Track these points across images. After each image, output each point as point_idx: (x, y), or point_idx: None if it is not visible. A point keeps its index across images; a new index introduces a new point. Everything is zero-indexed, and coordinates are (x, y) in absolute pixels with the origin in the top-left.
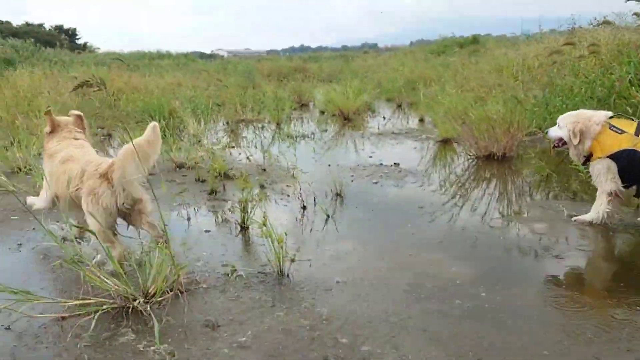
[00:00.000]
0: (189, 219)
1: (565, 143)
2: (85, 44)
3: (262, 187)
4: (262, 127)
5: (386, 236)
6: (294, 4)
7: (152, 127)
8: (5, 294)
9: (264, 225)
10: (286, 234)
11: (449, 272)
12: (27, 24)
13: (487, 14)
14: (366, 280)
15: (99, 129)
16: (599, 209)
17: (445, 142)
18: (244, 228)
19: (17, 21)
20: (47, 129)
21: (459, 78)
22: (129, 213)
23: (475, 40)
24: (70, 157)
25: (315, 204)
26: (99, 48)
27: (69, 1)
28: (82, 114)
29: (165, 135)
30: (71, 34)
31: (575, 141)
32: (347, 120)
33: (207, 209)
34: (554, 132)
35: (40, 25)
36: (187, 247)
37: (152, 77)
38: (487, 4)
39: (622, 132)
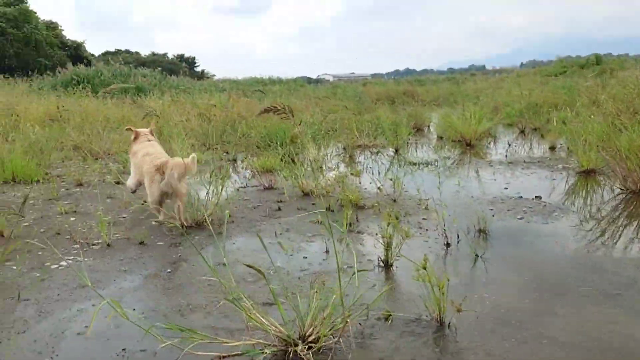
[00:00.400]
0: (327, 251)
1: None
2: (202, 71)
3: (396, 219)
4: (377, 152)
5: (551, 284)
6: (399, 27)
7: (192, 158)
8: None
9: (424, 268)
10: (448, 280)
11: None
12: (153, 54)
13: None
14: (539, 340)
15: (225, 154)
16: None
17: (587, 173)
18: (388, 265)
19: (144, 52)
20: (133, 136)
21: (593, 102)
22: (170, 196)
23: (597, 60)
24: (147, 153)
25: (458, 241)
26: (214, 75)
27: (189, 33)
28: (153, 128)
29: (292, 161)
30: (191, 62)
31: None
32: (469, 146)
33: (343, 242)
34: None
35: (164, 54)
36: (322, 279)
37: (268, 103)
38: (604, 23)
39: None
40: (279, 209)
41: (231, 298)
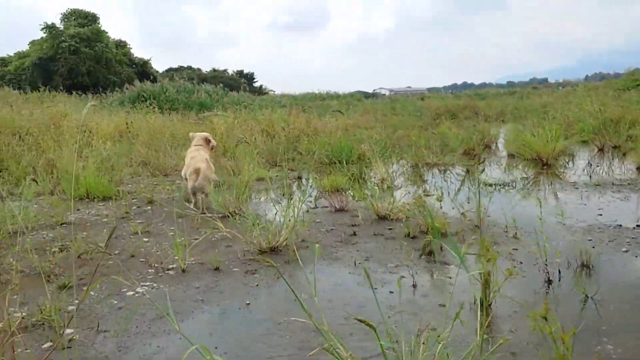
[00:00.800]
0: (414, 286)
1: None
2: (261, 86)
3: (487, 251)
4: (445, 171)
5: None
6: (456, 40)
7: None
8: None
9: (544, 317)
10: (575, 333)
11: None
12: (214, 70)
13: None
14: None
15: (290, 171)
16: None
17: None
18: (486, 305)
19: (206, 68)
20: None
21: None
22: (199, 191)
23: None
24: (193, 157)
25: (560, 278)
26: (273, 90)
27: (247, 49)
28: (208, 135)
29: (363, 180)
30: (249, 78)
31: None
32: (546, 166)
33: (429, 275)
34: None
35: (225, 70)
36: (430, 327)
37: (328, 118)
38: None
39: None
40: (354, 233)
41: (328, 347)
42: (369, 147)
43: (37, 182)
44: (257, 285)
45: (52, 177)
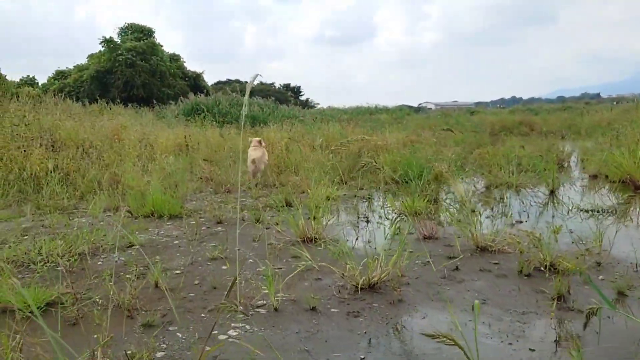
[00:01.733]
0: (557, 342)
1: None
2: (307, 99)
3: (621, 294)
4: (519, 192)
5: None
6: (503, 53)
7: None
8: None
9: None
10: None
11: None
12: (261, 84)
13: None
14: None
15: (360, 190)
16: None
17: None
18: None
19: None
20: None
21: None
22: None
23: None
24: (250, 154)
25: None
26: (318, 103)
27: (293, 63)
28: (260, 139)
29: (437, 202)
30: (296, 91)
31: None
32: (638, 189)
33: (570, 325)
34: None
35: (272, 84)
36: None
37: (389, 133)
38: None
39: None
40: (457, 268)
41: None
42: (446, 167)
43: (107, 195)
44: (365, 332)
45: (117, 192)
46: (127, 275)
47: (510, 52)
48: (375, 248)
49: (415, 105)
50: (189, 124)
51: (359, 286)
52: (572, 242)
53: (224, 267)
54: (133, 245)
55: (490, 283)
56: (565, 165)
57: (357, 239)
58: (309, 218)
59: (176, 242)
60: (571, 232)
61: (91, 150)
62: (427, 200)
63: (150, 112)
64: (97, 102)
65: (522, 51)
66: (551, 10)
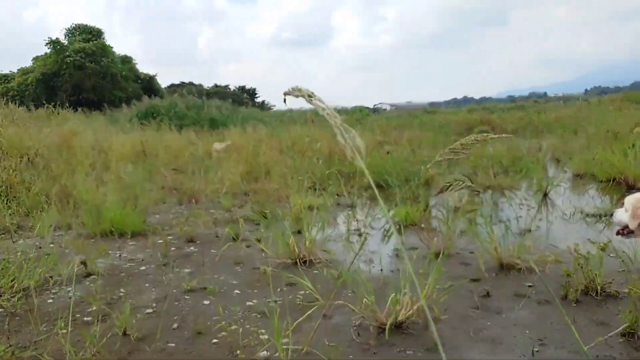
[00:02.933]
0: None
1: (632, 231)
2: (263, 101)
3: None
4: (509, 196)
5: None
6: (455, 56)
7: None
8: None
9: None
10: None
11: None
12: (216, 86)
13: None
14: None
15: (337, 196)
16: None
17: None
18: None
19: (207, 84)
20: None
21: None
22: None
23: None
24: None
25: None
26: (275, 105)
27: (248, 65)
28: None
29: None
30: (252, 93)
31: (634, 224)
32: (631, 188)
33: None
34: (620, 215)
35: (227, 86)
36: None
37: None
38: None
39: None
40: (488, 294)
41: None
42: (436, 170)
43: (57, 211)
44: None
45: (69, 207)
46: (86, 318)
47: (462, 54)
48: (381, 270)
49: (371, 106)
50: (144, 128)
51: (386, 326)
52: (612, 257)
53: (205, 302)
54: (91, 275)
55: (535, 313)
56: (547, 164)
57: (355, 258)
58: (294, 232)
59: (143, 268)
60: (591, 241)
61: (37, 159)
62: (424, 208)
63: (102, 116)
64: (43, 107)
65: (473, 53)
66: (502, 14)
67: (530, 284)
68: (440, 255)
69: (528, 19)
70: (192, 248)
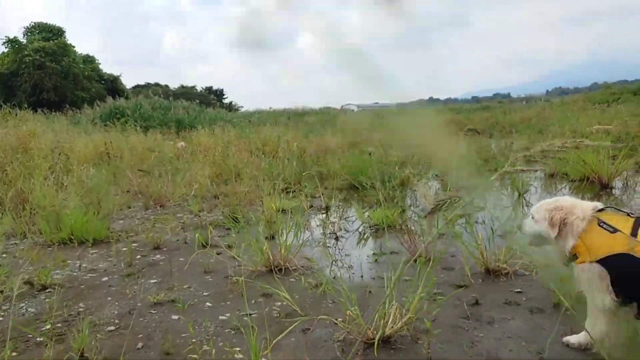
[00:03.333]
0: None
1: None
2: (231, 102)
3: None
4: (484, 196)
5: None
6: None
7: None
8: None
9: None
10: None
11: None
12: (183, 87)
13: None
14: None
15: (311, 198)
16: (591, 329)
17: None
18: None
19: (173, 85)
20: None
21: None
22: None
23: None
24: None
25: None
26: (242, 106)
27: (215, 66)
28: None
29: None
30: (219, 94)
31: (554, 232)
32: (606, 188)
33: None
34: (530, 226)
35: (193, 87)
36: None
37: (327, 136)
38: (634, 49)
39: (615, 230)
40: (477, 302)
41: None
42: (412, 171)
43: (11, 218)
44: None
45: (24, 213)
46: (39, 339)
47: (426, 55)
48: (362, 277)
49: (338, 107)
50: (109, 130)
51: (369, 341)
52: None
53: (174, 317)
54: (48, 289)
55: (529, 323)
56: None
57: (332, 264)
58: (267, 237)
59: (105, 279)
60: None
61: None
62: (401, 210)
63: (64, 117)
64: (0, 108)
65: (438, 55)
66: (465, 16)
67: (520, 290)
68: (430, 262)
69: (490, 21)
70: (158, 256)
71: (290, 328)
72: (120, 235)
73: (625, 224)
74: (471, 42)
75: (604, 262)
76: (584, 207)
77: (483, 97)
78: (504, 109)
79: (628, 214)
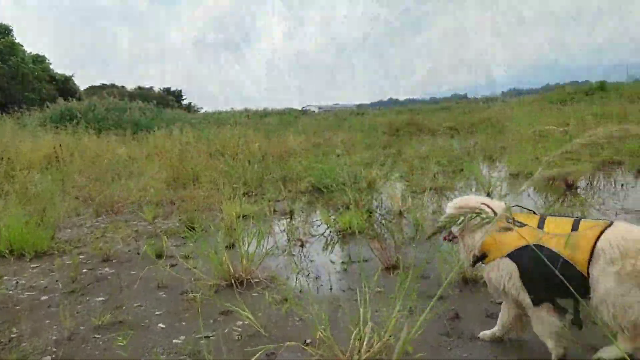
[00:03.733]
0: None
1: (455, 237)
2: (190, 104)
3: None
4: (449, 198)
5: None
6: (379, 59)
7: None
8: None
9: None
10: None
11: None
12: (139, 88)
13: (583, 61)
14: None
15: (274, 202)
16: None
17: None
18: None
19: (130, 85)
20: None
21: None
22: None
23: (602, 86)
24: None
25: None
26: (202, 107)
27: (173, 67)
28: None
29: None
30: (177, 95)
31: (459, 230)
32: (571, 188)
33: None
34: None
35: (151, 88)
36: None
37: (293, 137)
38: (580, 52)
39: (522, 225)
40: (457, 315)
41: None
42: (379, 173)
43: None
44: None
45: None
46: None
47: (387, 57)
48: (331, 289)
49: (299, 108)
50: (59, 132)
51: None
52: None
53: (121, 343)
54: None
55: (515, 339)
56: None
57: (298, 274)
58: (227, 246)
59: (44, 297)
60: None
61: None
62: (368, 214)
63: (10, 119)
64: None
65: (396, 57)
66: (422, 20)
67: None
68: (409, 276)
69: (448, 24)
70: (107, 269)
71: (254, 358)
72: (65, 246)
73: (532, 221)
74: (428, 45)
75: (512, 255)
76: (493, 205)
77: (441, 98)
78: (463, 109)
79: (533, 212)
